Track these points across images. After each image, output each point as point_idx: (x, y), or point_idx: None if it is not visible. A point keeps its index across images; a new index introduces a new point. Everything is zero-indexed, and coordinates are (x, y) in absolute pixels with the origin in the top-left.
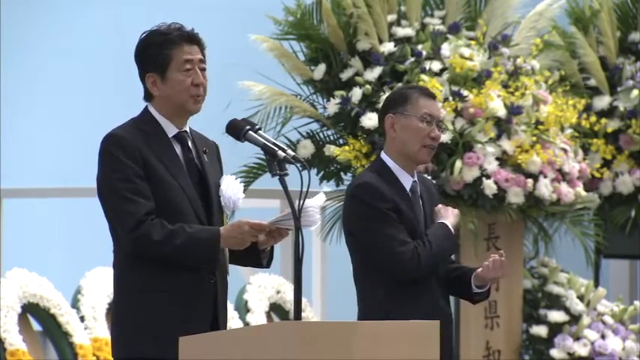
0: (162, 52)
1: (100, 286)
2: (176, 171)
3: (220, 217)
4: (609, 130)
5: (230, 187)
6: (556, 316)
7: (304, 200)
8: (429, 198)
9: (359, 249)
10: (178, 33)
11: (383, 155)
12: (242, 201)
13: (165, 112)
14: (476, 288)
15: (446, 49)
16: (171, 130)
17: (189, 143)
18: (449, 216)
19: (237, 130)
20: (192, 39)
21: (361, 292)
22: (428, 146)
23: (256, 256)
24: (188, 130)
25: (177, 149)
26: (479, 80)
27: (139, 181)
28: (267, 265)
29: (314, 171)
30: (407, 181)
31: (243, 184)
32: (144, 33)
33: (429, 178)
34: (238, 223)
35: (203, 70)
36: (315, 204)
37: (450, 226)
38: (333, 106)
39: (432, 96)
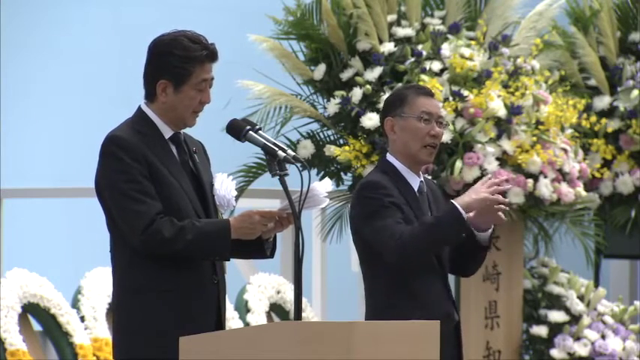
0: (184, 67)
1: (100, 286)
2: (176, 172)
3: (217, 216)
4: (609, 130)
5: (223, 186)
6: (556, 316)
7: (304, 201)
8: (435, 199)
9: (363, 246)
10: (205, 52)
11: (388, 156)
12: (235, 199)
13: (164, 117)
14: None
15: (446, 49)
16: (167, 132)
17: (183, 144)
18: (468, 194)
19: (238, 130)
20: (214, 58)
21: (368, 291)
22: (429, 145)
23: (260, 247)
24: (180, 131)
25: (173, 150)
26: (479, 80)
27: (145, 181)
28: (271, 255)
29: (314, 171)
30: (414, 181)
31: (240, 183)
32: (167, 36)
33: (430, 178)
34: (248, 213)
35: (211, 86)
36: (321, 186)
37: (460, 209)
38: (333, 106)
39: (429, 93)
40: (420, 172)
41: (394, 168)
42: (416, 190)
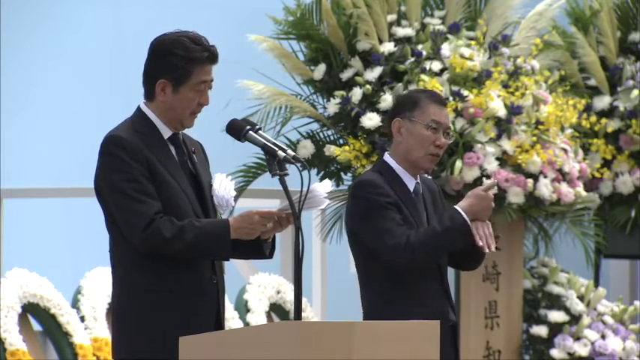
0: (185, 67)
1: (100, 286)
2: (174, 172)
3: (216, 217)
4: (609, 130)
5: (222, 186)
6: (556, 316)
7: (304, 201)
8: (432, 197)
9: (359, 247)
10: (206, 54)
11: (387, 157)
12: (234, 199)
13: (163, 117)
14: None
15: (446, 49)
16: (166, 132)
17: (182, 145)
18: (467, 199)
19: (238, 130)
20: (215, 60)
21: (364, 291)
22: (432, 154)
23: (259, 247)
24: (179, 131)
25: (172, 150)
26: (479, 80)
27: (145, 181)
28: (270, 256)
29: (314, 171)
30: (410, 182)
31: (240, 183)
32: (169, 35)
33: (428, 176)
34: (248, 213)
35: (210, 88)
36: (322, 187)
37: (462, 213)
38: (333, 106)
39: (443, 103)
40: (417, 175)
41: (390, 168)
42: (411, 191)
